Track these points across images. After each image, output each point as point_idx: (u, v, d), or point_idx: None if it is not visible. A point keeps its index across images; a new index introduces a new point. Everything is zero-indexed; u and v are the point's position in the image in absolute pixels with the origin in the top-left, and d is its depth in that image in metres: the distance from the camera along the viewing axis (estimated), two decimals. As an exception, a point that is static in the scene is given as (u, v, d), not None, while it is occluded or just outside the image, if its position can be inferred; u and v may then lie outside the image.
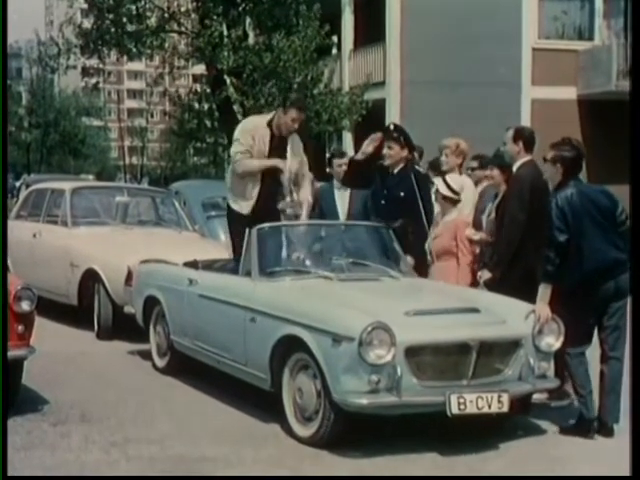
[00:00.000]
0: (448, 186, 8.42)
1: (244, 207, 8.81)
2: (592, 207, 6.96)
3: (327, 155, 26.54)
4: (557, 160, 7.10)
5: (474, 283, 8.13)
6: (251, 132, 8.77)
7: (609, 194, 7.15)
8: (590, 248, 6.88)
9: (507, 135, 7.96)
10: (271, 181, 8.72)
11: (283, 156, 8.74)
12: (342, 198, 9.90)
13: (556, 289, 6.98)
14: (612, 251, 6.91)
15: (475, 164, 9.99)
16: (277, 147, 8.75)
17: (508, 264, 7.69)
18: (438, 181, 8.52)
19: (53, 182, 16.05)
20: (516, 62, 25.34)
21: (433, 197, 8.72)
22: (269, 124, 8.78)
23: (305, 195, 8.81)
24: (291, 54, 21.86)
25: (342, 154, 10.41)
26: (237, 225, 8.75)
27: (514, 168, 7.88)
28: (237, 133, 8.87)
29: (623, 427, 6.59)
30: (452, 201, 8.46)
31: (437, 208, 8.75)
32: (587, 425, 7.00)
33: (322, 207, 9.96)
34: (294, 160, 8.78)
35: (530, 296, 7.31)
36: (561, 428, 7.17)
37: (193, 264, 9.00)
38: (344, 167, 9.85)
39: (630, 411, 5.97)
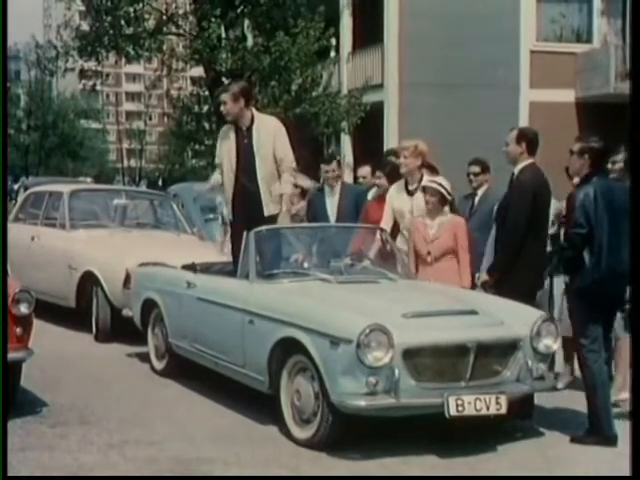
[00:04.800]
0: (444, 187, 8.40)
1: (229, 213, 8.92)
2: (613, 206, 6.88)
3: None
4: (585, 151, 7.01)
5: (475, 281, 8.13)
6: (220, 140, 8.90)
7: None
8: (607, 247, 6.85)
9: (510, 136, 7.82)
10: (245, 184, 8.73)
11: (251, 149, 8.69)
12: (332, 201, 10.04)
13: (571, 281, 7.02)
14: (628, 252, 6.88)
15: (477, 169, 9.98)
16: (245, 140, 8.72)
17: (507, 268, 7.66)
18: (434, 185, 8.47)
19: (51, 185, 16.06)
20: (514, 65, 25.36)
21: (424, 202, 8.65)
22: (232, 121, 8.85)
23: (283, 188, 8.73)
24: (293, 54, 21.86)
25: (330, 159, 10.46)
26: (232, 230, 8.91)
27: (515, 171, 7.79)
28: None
29: (623, 428, 6.59)
30: (444, 201, 8.44)
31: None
32: (603, 441, 6.85)
33: (314, 212, 10.09)
34: (263, 150, 8.69)
35: (529, 300, 7.31)
36: (572, 437, 7.05)
37: (191, 267, 8.99)
38: (331, 173, 10.13)
39: (630, 412, 5.97)
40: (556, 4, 26.60)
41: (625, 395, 7.60)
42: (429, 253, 8.39)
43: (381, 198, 9.56)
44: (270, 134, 8.70)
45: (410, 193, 8.84)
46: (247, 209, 8.65)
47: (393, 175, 9.40)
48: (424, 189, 8.50)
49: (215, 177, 9.05)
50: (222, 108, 8.76)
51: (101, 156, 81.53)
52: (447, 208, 8.48)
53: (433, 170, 9.68)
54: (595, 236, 6.83)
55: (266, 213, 8.65)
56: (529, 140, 7.77)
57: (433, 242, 8.40)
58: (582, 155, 7.03)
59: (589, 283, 6.88)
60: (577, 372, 7.92)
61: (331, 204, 10.07)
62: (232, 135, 8.75)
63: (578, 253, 6.88)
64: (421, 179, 8.81)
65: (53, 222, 12.41)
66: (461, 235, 8.36)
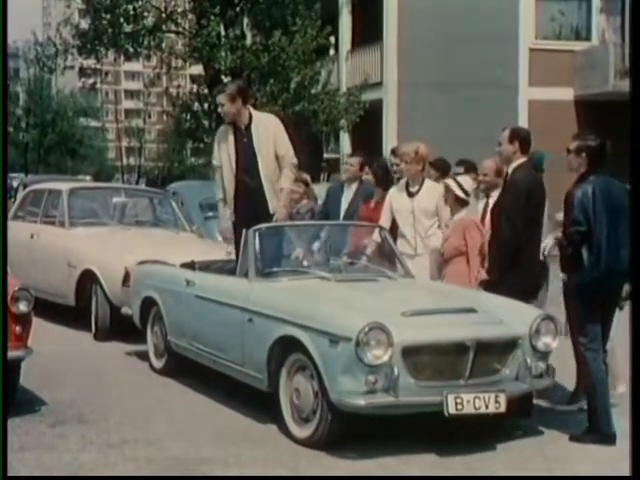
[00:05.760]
0: (461, 187, 8.38)
1: (231, 213, 8.82)
2: (611, 204, 6.88)
3: (325, 155, 26.78)
4: (582, 150, 7.00)
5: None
6: (217, 142, 8.85)
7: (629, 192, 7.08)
8: (606, 245, 6.84)
9: (503, 135, 7.84)
10: (247, 183, 8.70)
11: (252, 147, 8.67)
12: (346, 198, 10.00)
13: (569, 279, 7.03)
14: (628, 250, 6.88)
15: (461, 170, 9.96)
16: (244, 139, 8.69)
17: (505, 268, 7.65)
18: (450, 183, 8.47)
19: (50, 183, 16.05)
20: (513, 63, 25.39)
21: (443, 200, 8.61)
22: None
23: (283, 183, 8.71)
24: (291, 53, 21.85)
25: (356, 155, 10.40)
26: (235, 229, 8.78)
27: (509, 170, 7.80)
28: None
29: (623, 428, 6.58)
30: (463, 202, 8.42)
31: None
32: (602, 439, 6.87)
33: (328, 206, 10.07)
34: (263, 148, 8.66)
35: (526, 299, 7.30)
36: (571, 436, 7.05)
37: (190, 265, 9.00)
38: (349, 166, 10.09)
39: (630, 411, 5.97)
40: (555, 2, 26.62)
41: (623, 388, 7.68)
42: (442, 254, 8.37)
43: (370, 198, 9.60)
44: (270, 132, 8.69)
45: (411, 195, 8.86)
46: (250, 208, 8.62)
47: (384, 177, 9.45)
48: (444, 185, 8.50)
49: (220, 196, 8.98)
50: (220, 109, 8.75)
51: (100, 154, 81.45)
52: (463, 209, 8.43)
53: (439, 169, 9.70)
54: (594, 234, 6.83)
55: (271, 210, 8.65)
56: (522, 139, 7.78)
57: (446, 242, 8.38)
58: (579, 153, 7.03)
59: (588, 281, 6.88)
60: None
61: (345, 200, 10.05)
62: (230, 135, 8.72)
63: (577, 251, 6.89)
64: (423, 182, 8.82)
65: (52, 220, 12.41)
66: (469, 235, 8.28)
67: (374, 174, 9.80)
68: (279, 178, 8.70)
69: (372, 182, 9.67)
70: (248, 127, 8.69)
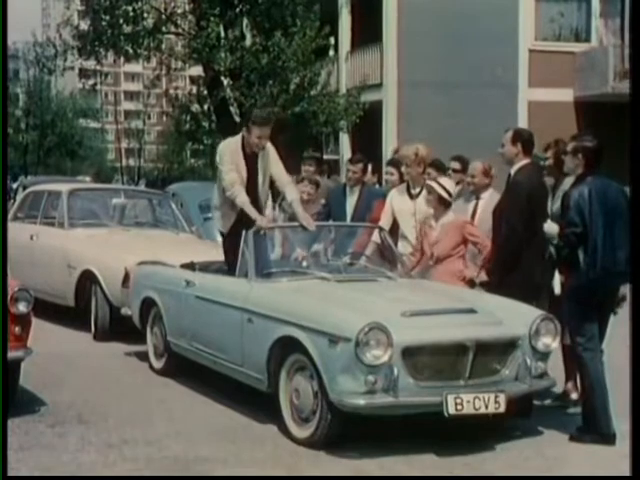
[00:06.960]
0: (444, 189, 8.39)
1: (226, 226, 8.76)
2: (607, 206, 6.89)
3: (324, 156, 26.72)
4: (579, 151, 7.01)
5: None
6: (230, 154, 8.71)
7: (626, 193, 7.09)
8: (602, 246, 6.85)
9: (506, 136, 7.83)
10: (251, 200, 8.67)
11: (257, 171, 8.69)
12: (351, 201, 10.00)
13: (566, 280, 7.01)
14: (624, 251, 6.89)
15: (457, 165, 9.91)
16: (252, 163, 8.69)
17: (506, 269, 7.64)
18: (434, 184, 8.48)
19: (50, 184, 16.05)
20: (513, 64, 25.37)
21: (425, 202, 8.60)
22: (242, 142, 8.70)
23: (293, 195, 8.70)
24: (290, 54, 21.86)
25: (358, 161, 10.36)
26: (226, 240, 8.77)
27: (512, 171, 7.79)
28: (218, 158, 8.82)
29: (623, 428, 6.58)
30: (447, 203, 8.42)
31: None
32: (602, 439, 6.86)
33: (331, 208, 10.08)
34: (262, 173, 8.70)
35: (526, 302, 7.30)
36: (571, 436, 7.03)
37: (190, 266, 9.01)
38: (352, 174, 10.01)
39: (630, 412, 5.97)
40: (555, 3, 26.60)
41: (574, 396, 7.85)
42: (432, 255, 8.36)
43: (384, 198, 9.57)
44: (270, 158, 8.73)
45: (412, 197, 8.87)
46: (244, 227, 8.58)
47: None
48: (427, 187, 8.50)
49: (243, 198, 8.59)
50: (261, 141, 8.56)
51: (100, 155, 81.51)
52: (449, 210, 8.44)
53: (439, 168, 9.69)
54: (590, 235, 6.84)
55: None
56: (525, 141, 7.77)
57: (436, 244, 8.37)
58: (576, 154, 7.04)
59: (585, 282, 6.89)
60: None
61: (350, 204, 10.04)
62: (241, 156, 8.65)
63: (573, 252, 6.89)
64: (424, 183, 8.82)
65: (52, 221, 12.42)
66: (470, 233, 8.30)
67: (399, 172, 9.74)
68: (286, 192, 8.78)
69: (397, 183, 9.62)
70: (256, 153, 8.68)
